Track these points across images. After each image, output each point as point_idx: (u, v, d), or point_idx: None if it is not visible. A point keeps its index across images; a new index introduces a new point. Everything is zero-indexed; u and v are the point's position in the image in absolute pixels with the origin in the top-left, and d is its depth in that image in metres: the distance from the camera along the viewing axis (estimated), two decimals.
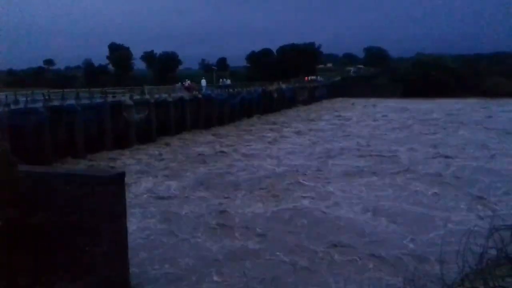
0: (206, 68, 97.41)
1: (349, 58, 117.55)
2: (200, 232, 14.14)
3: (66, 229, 8.95)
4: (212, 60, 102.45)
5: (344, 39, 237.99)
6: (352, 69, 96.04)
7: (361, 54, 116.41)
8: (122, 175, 9.24)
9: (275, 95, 56.18)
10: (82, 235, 8.92)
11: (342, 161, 25.46)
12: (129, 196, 15.53)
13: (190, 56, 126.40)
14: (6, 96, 26.52)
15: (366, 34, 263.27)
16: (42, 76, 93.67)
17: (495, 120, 42.90)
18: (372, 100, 68.75)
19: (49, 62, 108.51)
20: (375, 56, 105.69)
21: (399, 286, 9.07)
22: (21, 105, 25.59)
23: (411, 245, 12.72)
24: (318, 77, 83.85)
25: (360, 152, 28.13)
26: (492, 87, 69.20)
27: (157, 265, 11.41)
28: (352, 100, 71.04)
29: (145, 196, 18.31)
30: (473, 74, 74.46)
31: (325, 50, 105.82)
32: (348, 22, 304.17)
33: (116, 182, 8.89)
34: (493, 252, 3.94)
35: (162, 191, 19.22)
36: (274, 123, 44.75)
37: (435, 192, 18.37)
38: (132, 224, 13.57)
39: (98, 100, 30.57)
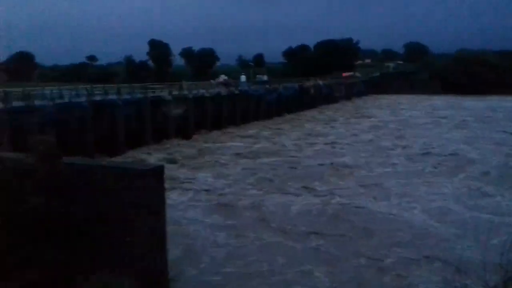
0: (243, 64, 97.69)
1: (388, 54, 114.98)
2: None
3: (107, 220, 9.11)
4: (249, 56, 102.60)
5: (383, 35, 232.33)
6: (391, 65, 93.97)
7: (400, 50, 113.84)
8: (161, 168, 9.37)
9: (312, 91, 55.77)
10: (122, 227, 9.08)
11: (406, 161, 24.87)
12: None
13: (228, 52, 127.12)
14: (51, 91, 27.50)
15: (406, 30, 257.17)
16: (85, 71, 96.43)
17: None
18: (413, 97, 67.15)
19: (92, 58, 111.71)
20: (415, 51, 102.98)
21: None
22: (65, 100, 26.48)
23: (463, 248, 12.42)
24: (356, 73, 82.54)
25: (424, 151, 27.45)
26: None
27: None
28: (393, 96, 69.57)
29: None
30: None
31: (363, 45, 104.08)
32: (387, 17, 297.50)
33: (156, 175, 9.03)
34: None
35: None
36: (314, 119, 44.59)
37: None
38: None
39: (139, 96, 31.25)
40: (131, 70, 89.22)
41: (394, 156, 26.28)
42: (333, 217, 15.33)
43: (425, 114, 47.96)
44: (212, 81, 46.44)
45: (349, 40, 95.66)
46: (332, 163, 24.08)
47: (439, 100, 62.28)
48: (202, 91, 37.74)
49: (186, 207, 16.32)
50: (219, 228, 14.23)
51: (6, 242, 8.25)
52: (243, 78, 47.80)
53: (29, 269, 8.01)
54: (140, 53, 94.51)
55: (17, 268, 8.05)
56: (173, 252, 11.29)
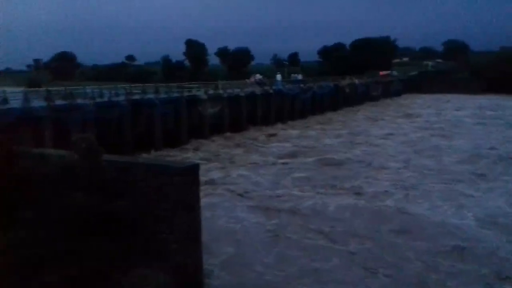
0: (277, 63, 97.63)
1: (427, 52, 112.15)
2: None
3: (143, 216, 9.38)
4: (284, 55, 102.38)
5: (421, 32, 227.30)
6: (430, 63, 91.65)
7: (439, 48, 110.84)
8: (196, 167, 9.60)
9: (347, 90, 55.16)
10: (158, 222, 9.33)
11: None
12: None
13: (262, 51, 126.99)
14: (92, 90, 28.38)
15: (445, 27, 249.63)
16: (124, 71, 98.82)
17: None
18: (454, 96, 65.31)
19: (130, 58, 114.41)
20: (455, 49, 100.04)
21: None
22: (105, 99, 27.29)
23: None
24: (393, 71, 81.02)
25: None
26: None
27: None
28: (432, 96, 67.85)
29: None
30: None
31: (401, 43, 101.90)
32: (426, 15, 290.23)
33: (191, 173, 9.25)
34: None
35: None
36: (350, 119, 44.17)
37: None
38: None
39: (175, 95, 31.81)
40: (168, 69, 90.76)
41: (445, 157, 25.58)
42: (385, 220, 15.04)
43: (471, 114, 46.39)
44: (247, 80, 46.66)
45: (386, 38, 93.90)
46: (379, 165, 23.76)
47: (483, 100, 60.22)
48: (236, 90, 38.02)
49: (222, 207, 16.47)
50: (258, 227, 14.31)
51: (48, 236, 8.60)
52: (278, 77, 47.77)
53: (69, 262, 8.31)
54: (177, 53, 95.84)
55: (57, 261, 8.38)
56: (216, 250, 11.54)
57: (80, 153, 9.56)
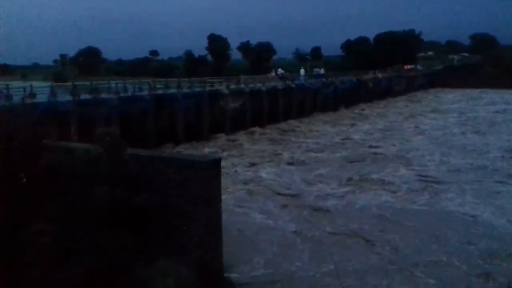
0: (300, 58, 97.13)
1: (453, 46, 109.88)
2: None
3: (165, 210, 9.47)
4: (307, 49, 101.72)
5: (447, 26, 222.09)
6: (455, 57, 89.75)
7: (466, 41, 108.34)
8: (218, 161, 9.66)
9: (370, 84, 54.48)
10: (180, 216, 9.42)
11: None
12: None
13: (285, 46, 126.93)
14: (116, 84, 28.78)
15: (472, 20, 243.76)
16: (148, 66, 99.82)
17: None
18: (482, 91, 63.80)
19: (154, 53, 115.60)
20: (482, 43, 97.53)
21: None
22: (129, 93, 27.65)
23: None
24: (418, 65, 79.65)
25: None
26: None
27: None
28: (458, 90, 66.38)
29: None
30: None
31: (426, 37, 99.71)
32: (452, 7, 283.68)
33: (213, 167, 9.32)
34: None
35: None
36: (372, 115, 43.73)
37: None
38: None
39: (197, 89, 31.99)
40: (190, 64, 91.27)
41: (484, 155, 25.03)
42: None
43: (503, 110, 45.24)
44: (268, 74, 46.47)
45: (411, 31, 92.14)
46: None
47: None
48: (258, 84, 37.97)
49: (244, 202, 16.52)
50: (282, 220, 14.36)
51: (73, 229, 8.78)
52: (302, 71, 47.57)
53: (93, 255, 8.46)
54: (200, 47, 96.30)
55: (82, 254, 8.55)
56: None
57: (104, 147, 9.73)
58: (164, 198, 9.42)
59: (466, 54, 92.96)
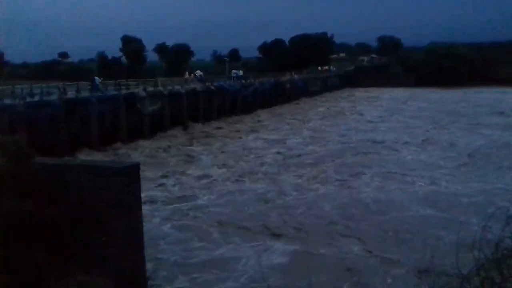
0: (218, 60, 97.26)
1: (362, 48, 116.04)
2: None
3: (81, 220, 9.00)
4: (224, 51, 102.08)
5: (357, 29, 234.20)
6: (365, 58, 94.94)
7: (374, 44, 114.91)
8: (136, 167, 9.28)
9: (288, 85, 55.94)
10: (97, 226, 8.97)
11: None
12: None
13: (202, 47, 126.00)
14: (22, 89, 26.82)
15: (379, 23, 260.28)
16: (57, 69, 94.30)
17: None
18: (387, 90, 68.21)
19: (63, 55, 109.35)
20: (389, 45, 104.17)
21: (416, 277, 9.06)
22: (36, 98, 25.87)
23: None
24: (331, 67, 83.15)
25: None
26: (506, 76, 67.91)
27: None
28: (371, 89, 70.45)
29: None
30: (487, 63, 73.05)
31: (337, 39, 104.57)
32: (361, 11, 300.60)
33: (131, 173, 8.94)
34: (508, 242, 3.90)
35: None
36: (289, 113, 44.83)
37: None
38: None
39: (112, 93, 30.73)
40: (104, 66, 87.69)
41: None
42: None
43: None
44: (187, 76, 45.82)
45: (324, 34, 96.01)
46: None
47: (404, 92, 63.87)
48: (177, 87, 37.39)
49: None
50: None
51: None
52: (236, 72, 48.86)
53: (1, 271, 7.83)
54: (113, 49, 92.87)
55: None
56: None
57: (8, 157, 8.96)
58: (79, 208, 8.90)
59: (374, 56, 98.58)
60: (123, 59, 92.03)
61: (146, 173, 19.09)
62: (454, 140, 28.66)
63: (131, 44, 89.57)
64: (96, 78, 33.63)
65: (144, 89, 33.38)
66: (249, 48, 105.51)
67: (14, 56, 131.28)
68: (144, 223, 9.30)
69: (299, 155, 25.24)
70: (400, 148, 26.93)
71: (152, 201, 16.68)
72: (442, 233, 12.49)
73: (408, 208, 15.59)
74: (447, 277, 4.41)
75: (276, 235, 13.34)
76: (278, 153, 25.95)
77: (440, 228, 13.11)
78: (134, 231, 8.94)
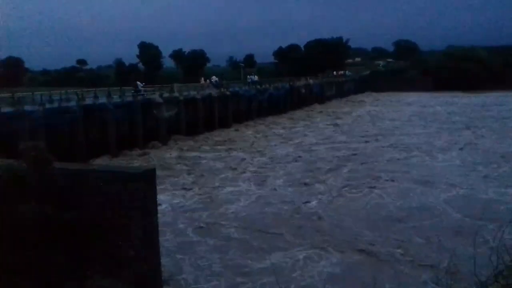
0: (233, 65, 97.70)
1: (378, 52, 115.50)
2: None
3: (98, 225, 9.08)
4: (240, 57, 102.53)
5: (372, 33, 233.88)
6: (381, 63, 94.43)
7: (390, 48, 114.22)
8: (153, 171, 9.38)
9: (303, 90, 55.89)
10: (114, 231, 9.05)
11: None
12: None
13: (218, 53, 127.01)
14: (41, 96, 27.30)
15: (395, 28, 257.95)
16: (75, 75, 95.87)
17: None
18: (405, 94, 67.64)
19: (82, 62, 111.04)
20: (405, 49, 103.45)
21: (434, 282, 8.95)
22: (56, 104, 26.33)
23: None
24: (347, 71, 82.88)
25: None
26: None
27: None
28: (382, 94, 70.02)
29: None
30: (505, 67, 71.94)
31: (353, 44, 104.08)
32: (377, 16, 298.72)
33: (147, 178, 9.03)
34: None
35: None
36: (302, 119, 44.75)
37: None
38: None
39: (129, 99, 31.12)
40: (121, 73, 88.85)
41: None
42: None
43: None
44: (203, 82, 46.20)
45: (339, 39, 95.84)
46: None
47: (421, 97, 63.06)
48: (193, 92, 37.67)
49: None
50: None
51: None
52: (254, 77, 49.62)
53: (21, 275, 7.95)
54: (130, 56, 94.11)
55: (9, 274, 7.99)
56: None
57: (29, 161, 9.14)
58: (97, 213, 9.01)
59: (390, 60, 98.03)
60: (140, 65, 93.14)
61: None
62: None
63: (148, 51, 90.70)
64: (139, 83, 36.38)
65: (160, 95, 33.71)
66: (265, 53, 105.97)
67: (34, 63, 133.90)
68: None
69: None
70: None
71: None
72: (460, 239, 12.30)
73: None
74: (465, 284, 4.36)
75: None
76: (299, 157, 25.80)
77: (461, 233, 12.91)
78: (151, 235, 9.02)
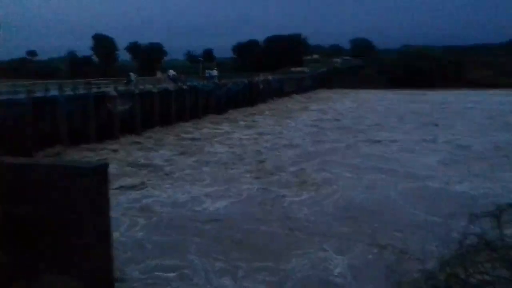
0: (192, 60, 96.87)
1: (335, 50, 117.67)
2: None
3: (49, 221, 8.81)
4: (198, 51, 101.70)
5: (330, 31, 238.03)
6: (338, 60, 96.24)
7: (347, 46, 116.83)
8: (105, 166, 9.11)
9: (261, 86, 56.08)
10: (65, 227, 8.79)
11: None
12: None
13: (176, 47, 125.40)
14: None
15: (352, 26, 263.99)
16: (25, 67, 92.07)
17: None
18: (359, 91, 69.31)
19: (32, 53, 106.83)
20: (361, 47, 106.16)
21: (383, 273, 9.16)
22: (3, 97, 25.16)
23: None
24: (305, 68, 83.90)
25: None
26: (476, 79, 70.26)
27: None
28: (339, 91, 71.50)
29: None
30: (458, 66, 75.31)
31: (311, 41, 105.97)
32: (334, 14, 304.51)
33: (99, 174, 8.77)
34: (472, 238, 4.00)
35: None
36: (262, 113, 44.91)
37: None
38: None
39: (82, 92, 30.15)
40: (74, 65, 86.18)
41: None
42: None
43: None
44: (160, 75, 45.28)
45: (298, 35, 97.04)
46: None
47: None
48: (149, 86, 36.99)
49: None
50: None
51: None
52: (214, 72, 48.91)
53: None
54: (84, 47, 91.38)
55: None
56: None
57: None
58: (47, 209, 8.68)
59: (347, 58, 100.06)
60: (94, 58, 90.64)
61: None
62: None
63: (102, 43, 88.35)
64: (131, 73, 36.77)
65: (115, 88, 32.86)
66: (224, 48, 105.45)
67: None
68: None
69: None
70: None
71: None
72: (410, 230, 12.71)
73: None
74: (413, 274, 4.49)
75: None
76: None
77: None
78: (103, 231, 8.79)
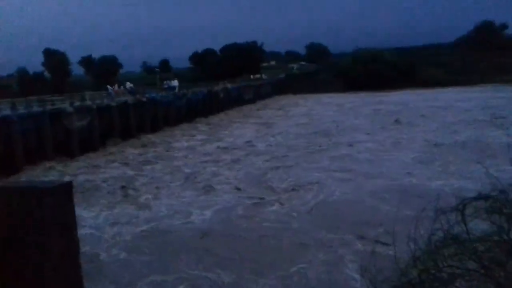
0: (148, 71, 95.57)
1: (292, 56, 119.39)
2: None
3: (12, 244, 8.46)
4: (155, 62, 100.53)
5: (285, 37, 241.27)
6: (294, 66, 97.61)
7: (303, 51, 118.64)
8: (69, 185, 8.85)
9: (221, 95, 56.07)
10: (30, 249, 8.48)
11: None
12: None
13: (131, 59, 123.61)
14: None
15: (307, 32, 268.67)
16: None
17: None
18: (314, 96, 70.48)
19: None
20: (316, 52, 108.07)
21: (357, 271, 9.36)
22: None
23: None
24: (263, 75, 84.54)
25: None
26: (428, 78, 72.99)
27: None
28: (298, 96, 72.41)
29: None
30: (411, 67, 77.95)
31: (267, 48, 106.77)
32: (289, 20, 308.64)
33: (63, 193, 8.51)
34: (440, 233, 4.16)
35: None
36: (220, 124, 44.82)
37: None
38: None
39: (36, 109, 29.20)
40: (25, 82, 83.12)
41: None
42: None
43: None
44: (110, 87, 43.23)
45: (254, 43, 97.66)
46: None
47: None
48: (106, 100, 36.26)
49: None
50: None
51: None
52: (175, 82, 48.54)
53: None
54: (35, 63, 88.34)
55: None
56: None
57: None
58: (11, 231, 8.33)
59: (303, 63, 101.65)
60: (46, 73, 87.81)
61: None
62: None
63: (54, 58, 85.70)
64: (128, 83, 38.52)
65: (71, 104, 32.01)
66: (180, 58, 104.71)
67: None
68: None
69: None
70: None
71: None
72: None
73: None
74: (387, 272, 4.62)
75: None
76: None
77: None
78: (71, 251, 8.52)
